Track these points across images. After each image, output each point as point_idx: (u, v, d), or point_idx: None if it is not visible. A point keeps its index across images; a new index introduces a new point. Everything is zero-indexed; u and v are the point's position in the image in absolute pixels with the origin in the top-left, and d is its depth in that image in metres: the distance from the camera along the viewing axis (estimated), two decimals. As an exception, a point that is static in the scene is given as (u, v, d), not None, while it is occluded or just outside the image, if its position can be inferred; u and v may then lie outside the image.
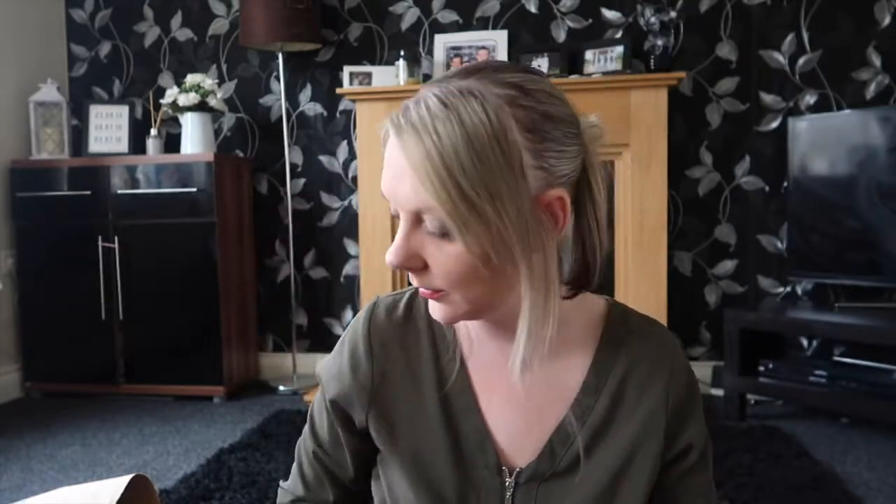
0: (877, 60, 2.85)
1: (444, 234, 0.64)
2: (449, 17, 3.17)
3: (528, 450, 0.75)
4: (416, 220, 0.66)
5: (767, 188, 2.97)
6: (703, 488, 0.79)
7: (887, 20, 2.85)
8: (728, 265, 3.03)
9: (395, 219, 0.71)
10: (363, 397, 0.78)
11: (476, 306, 0.69)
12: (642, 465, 0.75)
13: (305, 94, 3.30)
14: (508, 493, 0.74)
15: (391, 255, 0.67)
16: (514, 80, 0.65)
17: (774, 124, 2.95)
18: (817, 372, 2.49)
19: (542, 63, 3.00)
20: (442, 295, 0.68)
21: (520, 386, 0.71)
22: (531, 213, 0.64)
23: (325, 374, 0.83)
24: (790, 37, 2.93)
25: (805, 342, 2.96)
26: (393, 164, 0.66)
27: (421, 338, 0.78)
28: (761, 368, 2.59)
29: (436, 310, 0.71)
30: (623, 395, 0.75)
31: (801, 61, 2.92)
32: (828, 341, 2.85)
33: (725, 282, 3.04)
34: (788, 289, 2.99)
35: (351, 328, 0.81)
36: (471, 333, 0.78)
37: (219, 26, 3.37)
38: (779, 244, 2.98)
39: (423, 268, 0.67)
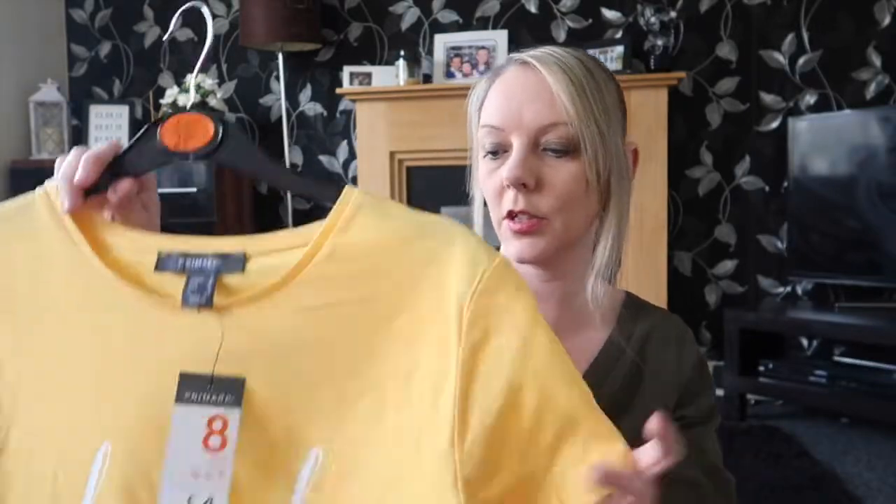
0: (877, 60, 2.85)
1: (565, 152, 0.73)
2: (449, 17, 3.17)
3: None
4: (534, 143, 0.73)
5: (767, 188, 2.97)
6: (695, 443, 0.82)
7: (887, 20, 2.84)
8: (728, 265, 3.03)
9: (488, 154, 0.77)
10: None
11: (563, 241, 0.75)
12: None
13: (305, 94, 3.30)
14: None
15: (512, 170, 0.72)
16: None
17: (774, 124, 2.95)
18: (817, 372, 2.49)
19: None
20: (542, 224, 0.73)
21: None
22: (624, 149, 0.77)
23: None
24: (790, 37, 2.92)
25: (805, 342, 2.96)
26: (519, 90, 0.74)
27: None
28: (761, 368, 2.59)
29: (528, 246, 0.74)
30: (636, 371, 0.80)
31: (801, 61, 2.92)
32: (828, 341, 2.85)
33: (725, 282, 3.03)
34: (788, 289, 2.99)
35: None
36: None
37: (219, 26, 3.37)
38: (779, 244, 2.98)
39: (534, 188, 0.72)
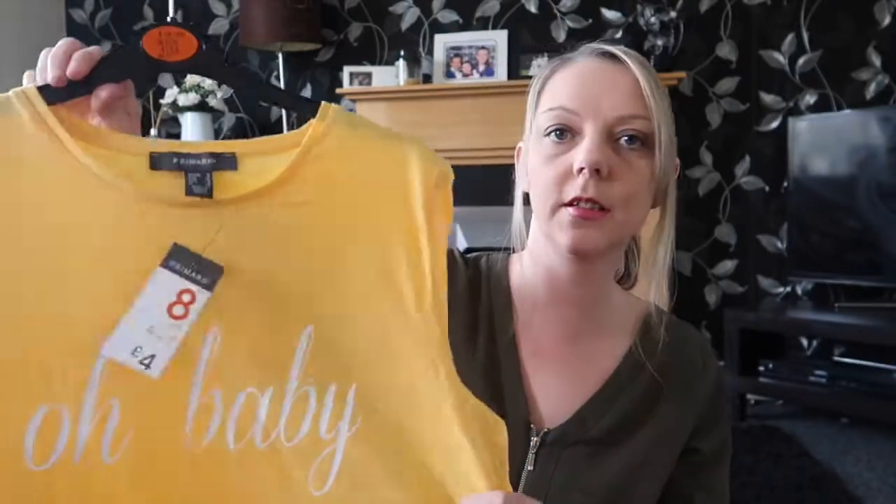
0: (877, 60, 2.85)
1: (642, 143, 0.72)
2: (449, 17, 3.17)
3: (561, 416, 0.78)
4: (608, 133, 0.71)
5: (767, 188, 2.97)
6: (711, 485, 0.82)
7: (887, 20, 2.84)
8: (728, 265, 3.03)
9: (550, 135, 0.74)
10: None
11: (617, 239, 0.74)
12: (666, 455, 0.79)
13: (305, 94, 3.30)
14: (532, 453, 0.77)
15: (592, 154, 0.70)
16: None
17: (774, 124, 2.95)
18: (817, 372, 2.49)
19: (541, 63, 3.00)
20: (604, 216, 0.71)
21: (569, 353, 0.79)
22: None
23: None
24: (790, 37, 2.92)
25: (805, 342, 2.96)
26: (598, 77, 0.73)
27: (482, 293, 0.83)
28: (761, 368, 2.59)
29: (585, 234, 0.71)
30: (655, 388, 0.79)
31: (801, 61, 2.92)
32: (828, 341, 2.85)
33: (725, 282, 3.04)
34: (788, 289, 2.99)
35: None
36: (535, 301, 0.81)
37: (219, 26, 3.37)
38: (779, 244, 2.98)
39: (606, 176, 0.71)
